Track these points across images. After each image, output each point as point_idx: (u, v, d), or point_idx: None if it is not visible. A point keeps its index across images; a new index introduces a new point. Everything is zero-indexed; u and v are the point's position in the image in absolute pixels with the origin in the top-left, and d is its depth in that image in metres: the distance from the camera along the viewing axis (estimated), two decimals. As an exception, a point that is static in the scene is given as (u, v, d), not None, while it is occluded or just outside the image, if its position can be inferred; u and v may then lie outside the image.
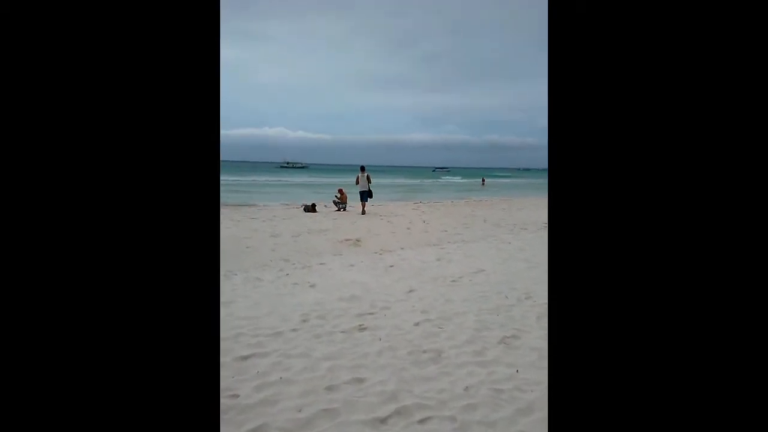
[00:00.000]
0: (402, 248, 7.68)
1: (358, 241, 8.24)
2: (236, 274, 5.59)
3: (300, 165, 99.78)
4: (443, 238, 8.61)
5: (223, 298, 4.28)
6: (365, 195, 14.02)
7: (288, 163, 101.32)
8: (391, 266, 5.86)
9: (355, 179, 14.40)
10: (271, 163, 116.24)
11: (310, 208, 13.91)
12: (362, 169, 14.36)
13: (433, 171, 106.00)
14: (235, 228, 9.69)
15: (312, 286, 4.83)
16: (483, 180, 46.03)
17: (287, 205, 16.58)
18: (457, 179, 61.51)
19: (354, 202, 15.15)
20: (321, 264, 6.26)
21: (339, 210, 14.50)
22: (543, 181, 55.27)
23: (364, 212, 13.80)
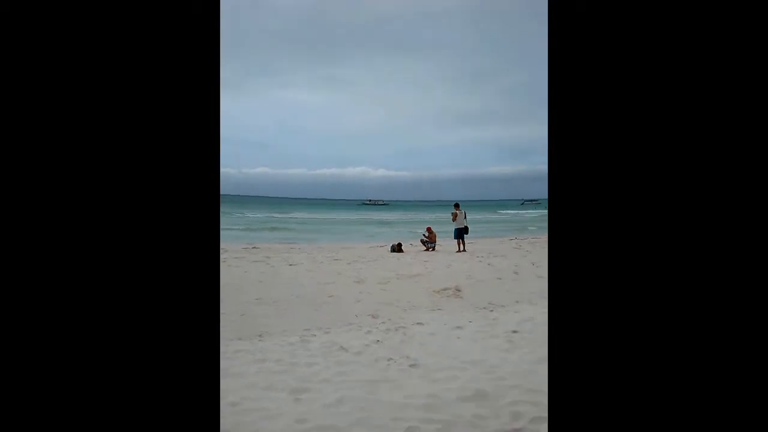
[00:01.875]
0: (517, 302, 6.07)
1: (458, 290, 6.78)
2: (315, 335, 4.45)
3: (381, 202, 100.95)
4: (567, 288, 6.82)
5: (293, 381, 3.09)
6: (463, 232, 12.61)
7: (370, 201, 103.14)
8: (515, 332, 4.31)
9: (451, 216, 13.07)
10: (354, 200, 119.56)
11: (397, 248, 12.75)
12: (456, 205, 13.04)
13: (522, 204, 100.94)
14: (318, 271, 8.75)
15: (413, 365, 3.46)
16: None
17: (372, 245, 15.60)
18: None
19: (442, 241, 13.79)
20: (418, 324, 4.91)
21: (428, 249, 13.17)
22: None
23: (464, 250, 12.33)
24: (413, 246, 13.97)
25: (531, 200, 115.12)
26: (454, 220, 12.80)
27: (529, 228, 26.40)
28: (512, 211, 53.45)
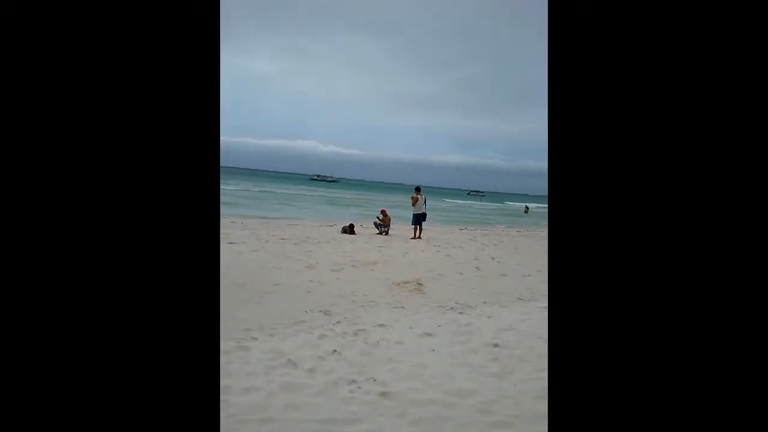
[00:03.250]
0: (485, 303, 5.51)
1: (419, 284, 6.12)
2: (256, 339, 3.58)
3: (331, 179, 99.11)
4: (535, 289, 6.37)
5: (223, 419, 2.24)
6: (421, 219, 11.99)
7: (319, 176, 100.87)
8: (496, 345, 3.69)
9: (411, 200, 12.38)
10: (302, 175, 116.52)
11: (349, 230, 11.94)
12: (418, 189, 12.36)
13: (468, 194, 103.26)
14: (263, 251, 7.75)
15: (383, 394, 2.68)
16: (527, 208, 43.33)
17: (322, 224, 14.64)
18: (497, 204, 58.86)
19: (395, 225, 13.17)
20: (380, 326, 4.17)
21: (381, 233, 12.48)
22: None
23: (420, 237, 11.74)
24: (365, 228, 13.23)
25: (476, 192, 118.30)
26: (413, 204, 12.15)
27: (476, 217, 26.56)
28: (459, 201, 54.09)
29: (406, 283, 6.15)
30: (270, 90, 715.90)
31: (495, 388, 2.79)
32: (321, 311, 4.62)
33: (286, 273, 6.28)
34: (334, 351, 3.34)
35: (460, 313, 4.95)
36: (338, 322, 4.26)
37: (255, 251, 7.65)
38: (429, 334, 3.98)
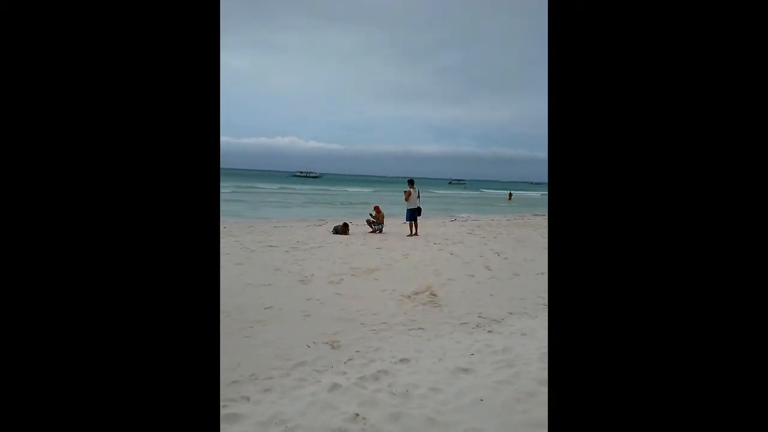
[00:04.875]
0: (511, 314, 4.78)
1: (433, 295, 5.33)
2: (248, 399, 2.75)
3: (314, 174, 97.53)
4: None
5: None
6: (416, 213, 11.20)
7: (301, 172, 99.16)
8: (552, 382, 2.94)
9: (404, 194, 11.55)
10: (284, 172, 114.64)
11: (342, 230, 11.10)
12: (411, 183, 11.55)
13: (450, 183, 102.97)
14: (249, 263, 6.85)
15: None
16: (510, 194, 43.04)
17: (310, 224, 13.72)
18: (478, 192, 58.53)
19: (388, 221, 12.39)
20: (402, 362, 3.39)
21: (375, 231, 11.68)
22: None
23: (416, 233, 10.97)
24: (357, 226, 12.41)
25: (458, 180, 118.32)
26: (407, 199, 11.36)
27: (463, 207, 26.02)
28: (444, 192, 53.42)
29: (417, 294, 5.35)
30: (246, 87, 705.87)
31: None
32: (326, 343, 3.80)
33: (278, 291, 5.42)
34: (356, 415, 2.52)
35: (489, 331, 4.19)
36: (350, 360, 3.45)
37: (240, 264, 6.75)
38: (465, 370, 3.20)
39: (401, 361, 3.42)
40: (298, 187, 47.81)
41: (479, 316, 4.64)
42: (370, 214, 12.20)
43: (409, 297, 5.25)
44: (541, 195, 56.71)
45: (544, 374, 3.05)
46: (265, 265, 6.72)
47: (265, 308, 4.69)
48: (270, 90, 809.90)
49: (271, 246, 8.55)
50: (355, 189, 50.40)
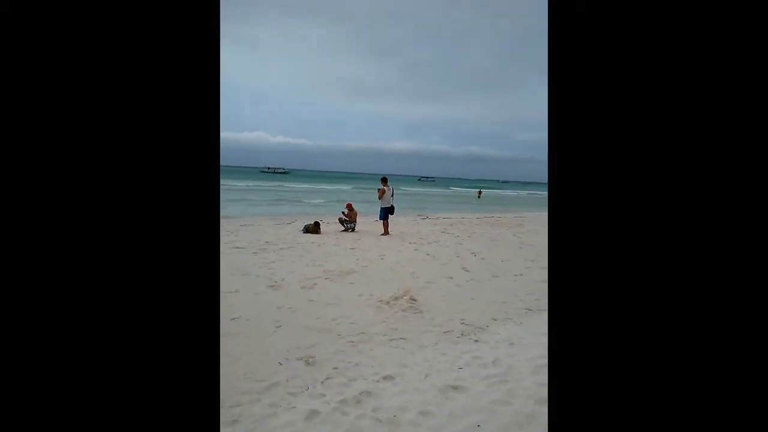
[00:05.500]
0: (494, 319, 4.57)
1: (412, 300, 5.06)
2: None
3: (282, 170, 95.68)
4: (536, 295, 5.50)
5: None
6: (389, 212, 10.91)
7: (269, 168, 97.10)
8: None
9: (377, 193, 11.22)
10: (252, 168, 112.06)
11: (313, 228, 10.67)
12: (384, 180, 11.23)
13: (419, 180, 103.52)
14: (212, 267, 6.37)
15: None
16: (480, 192, 43.51)
17: (279, 222, 13.21)
18: (448, 190, 59.01)
19: (363, 219, 12.08)
20: (385, 379, 3.09)
21: (347, 230, 11.32)
22: (528, 195, 53.43)
23: (388, 232, 10.70)
24: (328, 224, 12.01)
25: (427, 177, 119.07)
26: (380, 197, 11.05)
27: (432, 205, 26.02)
28: (414, 189, 53.44)
29: (396, 299, 5.06)
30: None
31: None
32: (300, 359, 3.45)
33: (246, 298, 5.00)
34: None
35: (475, 340, 3.95)
36: (328, 378, 3.11)
37: (204, 268, 6.26)
38: (455, 388, 2.93)
39: (385, 378, 3.12)
40: (265, 183, 46.64)
41: (462, 323, 4.41)
42: (343, 212, 11.82)
43: (388, 303, 4.96)
44: (502, 193, 57.63)
45: (541, 392, 2.83)
46: (231, 269, 6.26)
47: (232, 319, 4.27)
48: (236, 85, 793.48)
49: (238, 247, 8.06)
50: (325, 186, 49.70)
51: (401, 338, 3.96)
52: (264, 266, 6.62)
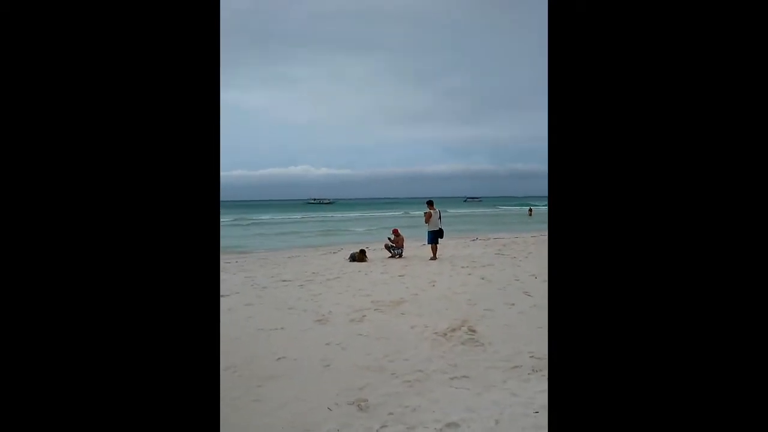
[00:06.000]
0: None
1: (471, 331, 4.59)
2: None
3: (327, 201, 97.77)
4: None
5: None
6: (437, 236, 10.49)
7: (315, 199, 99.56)
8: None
9: (424, 217, 10.86)
10: (298, 200, 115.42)
11: (359, 257, 10.42)
12: (430, 203, 10.86)
13: (465, 201, 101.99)
14: (260, 304, 6.19)
15: None
16: (530, 210, 41.99)
17: (325, 251, 13.10)
18: (495, 209, 57.51)
19: (410, 244, 11.71)
20: (450, 426, 2.66)
21: (394, 256, 10.98)
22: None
23: (436, 257, 10.26)
24: (374, 251, 11.74)
25: (473, 198, 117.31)
26: (427, 221, 10.66)
27: (484, 225, 25.21)
28: (457, 210, 52.45)
29: (453, 331, 4.61)
30: (259, 121, 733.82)
31: None
32: (352, 403, 3.08)
33: (292, 335, 4.73)
34: None
35: (545, 375, 3.42)
36: (384, 427, 2.72)
37: (250, 305, 6.09)
38: (536, 440, 2.44)
39: (449, 426, 2.69)
40: (311, 213, 47.55)
41: (531, 356, 3.88)
42: (389, 238, 11.52)
43: (445, 335, 4.51)
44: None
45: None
46: (278, 304, 6.06)
47: (278, 359, 4.00)
48: (282, 122, 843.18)
49: (285, 280, 7.90)
50: (369, 213, 49.94)
51: (463, 376, 3.50)
52: (310, 299, 6.37)
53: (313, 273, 8.72)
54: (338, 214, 46.90)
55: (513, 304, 5.76)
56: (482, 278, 7.66)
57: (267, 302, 6.23)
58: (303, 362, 3.92)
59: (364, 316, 5.38)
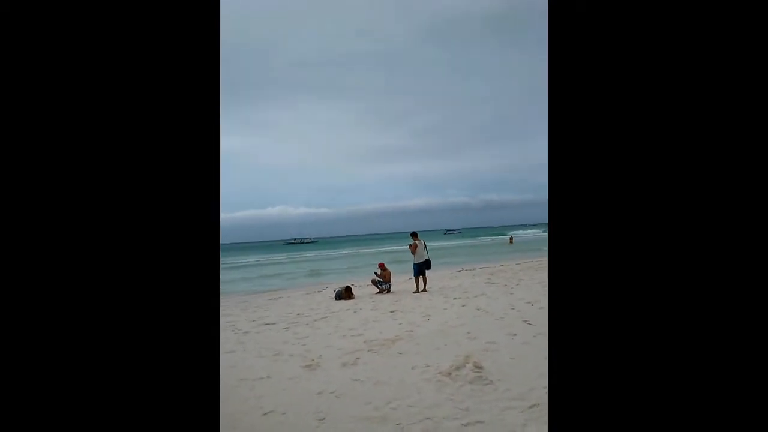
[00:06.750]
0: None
1: (478, 368, 4.18)
2: None
3: (308, 240, 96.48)
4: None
5: None
6: (424, 267, 10.12)
7: (295, 239, 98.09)
8: None
9: (410, 248, 10.51)
10: (278, 241, 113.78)
11: (345, 294, 9.94)
12: (414, 235, 10.56)
13: (445, 233, 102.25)
14: (243, 351, 5.64)
15: None
16: (511, 238, 42.22)
17: (308, 290, 12.53)
18: (475, 240, 57.67)
19: (396, 278, 11.29)
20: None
21: (382, 291, 10.52)
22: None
23: (425, 290, 9.86)
24: (360, 288, 11.27)
25: (452, 230, 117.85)
26: (413, 252, 10.32)
27: (466, 257, 25.04)
28: (438, 243, 52.36)
29: (457, 369, 4.19)
30: (235, 164, 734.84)
31: None
32: (354, 466, 2.61)
33: (279, 385, 4.22)
34: None
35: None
36: (395, 495, 2.26)
37: (231, 352, 5.54)
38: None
39: (474, 489, 2.25)
40: (293, 254, 46.57)
41: (546, 390, 3.48)
42: (375, 273, 11.09)
43: (449, 374, 4.09)
44: (543, 232, 55.82)
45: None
46: (261, 350, 5.52)
47: (264, 414, 3.49)
48: (259, 164, 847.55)
49: (268, 324, 7.34)
50: (351, 250, 49.29)
51: (478, 422, 3.08)
52: (297, 342, 5.86)
53: (298, 314, 8.18)
54: (319, 252, 46.06)
55: (515, 335, 5.39)
56: (478, 309, 7.28)
57: (250, 348, 5.68)
58: (293, 417, 3.42)
59: (358, 358, 4.90)
